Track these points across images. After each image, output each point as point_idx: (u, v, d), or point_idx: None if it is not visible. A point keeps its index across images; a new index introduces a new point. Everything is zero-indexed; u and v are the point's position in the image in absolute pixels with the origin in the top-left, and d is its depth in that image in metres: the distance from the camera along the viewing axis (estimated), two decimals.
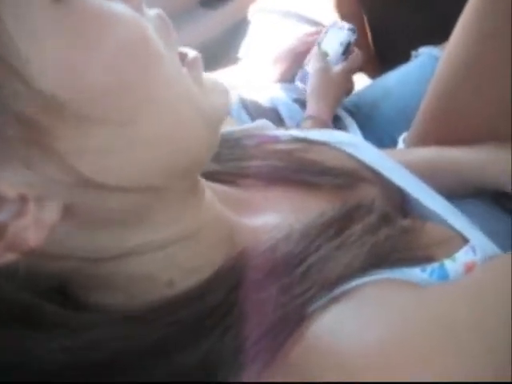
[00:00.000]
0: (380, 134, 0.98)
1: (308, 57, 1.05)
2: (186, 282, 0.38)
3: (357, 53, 1.04)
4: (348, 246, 0.40)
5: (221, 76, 1.11)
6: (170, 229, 0.38)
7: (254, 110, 1.03)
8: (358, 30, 1.11)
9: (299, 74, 1.07)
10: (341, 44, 1.04)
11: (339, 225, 0.43)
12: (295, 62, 1.09)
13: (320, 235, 0.41)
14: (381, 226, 0.44)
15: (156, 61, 0.34)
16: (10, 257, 0.32)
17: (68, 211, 0.33)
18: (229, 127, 0.58)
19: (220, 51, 1.24)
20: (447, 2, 0.84)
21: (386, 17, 1.21)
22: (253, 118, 1.01)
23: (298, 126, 0.98)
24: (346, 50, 1.04)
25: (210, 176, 0.47)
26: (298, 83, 1.06)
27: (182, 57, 0.38)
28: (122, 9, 0.34)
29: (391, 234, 0.43)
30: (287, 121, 1.02)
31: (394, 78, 1.03)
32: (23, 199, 0.31)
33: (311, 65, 1.03)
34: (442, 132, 0.76)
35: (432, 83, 0.76)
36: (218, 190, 0.46)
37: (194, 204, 0.40)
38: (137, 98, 0.33)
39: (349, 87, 1.04)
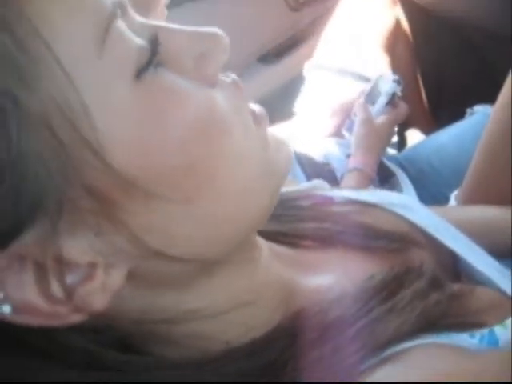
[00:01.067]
0: (432, 189, 0.98)
1: (354, 108, 1.07)
2: (241, 339, 0.40)
3: (402, 105, 1.05)
4: (398, 310, 0.42)
5: (277, 131, 1.14)
6: (227, 294, 0.40)
7: (308, 165, 1.05)
8: (413, 85, 1.13)
9: (346, 124, 1.08)
10: (386, 94, 1.05)
11: (390, 288, 0.44)
12: (349, 117, 1.11)
13: (372, 298, 0.43)
14: (430, 290, 0.44)
15: (223, 137, 0.36)
16: (76, 318, 0.34)
17: (131, 276, 0.36)
18: (285, 186, 0.60)
19: (276, 106, 1.27)
20: (503, 61, 0.85)
21: (441, 74, 1.22)
22: (306, 173, 1.03)
23: (342, 177, 0.99)
24: (391, 101, 1.05)
25: (267, 235, 0.49)
26: (345, 133, 1.07)
27: (251, 114, 0.39)
28: (197, 89, 0.35)
29: (441, 299, 0.44)
30: (339, 176, 1.04)
31: (449, 134, 1.05)
32: (93, 266, 0.34)
33: (356, 113, 1.05)
34: (489, 191, 0.76)
35: (480, 142, 0.77)
36: (274, 249, 0.48)
37: (250, 267, 0.42)
38: (202, 178, 0.35)
39: (391, 138, 1.05)
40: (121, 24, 0.33)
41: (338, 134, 1.15)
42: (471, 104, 1.05)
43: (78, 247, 0.33)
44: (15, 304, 0.32)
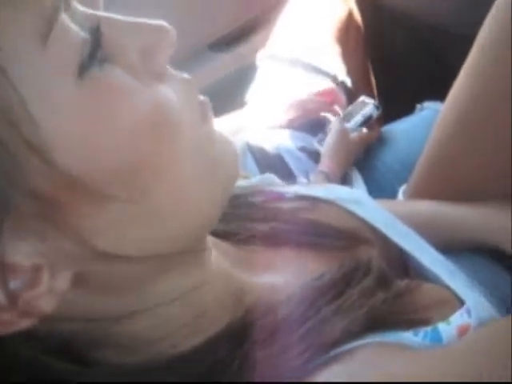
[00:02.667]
0: (383, 184, 1.00)
1: (330, 125, 1.11)
2: (189, 342, 0.39)
3: (376, 129, 1.09)
4: (345, 310, 0.42)
5: (227, 120, 1.14)
6: (173, 292, 0.40)
7: (260, 156, 1.06)
8: (363, 78, 1.15)
9: (319, 137, 1.12)
10: (362, 115, 1.10)
11: (338, 287, 0.44)
12: (304, 114, 1.13)
13: (319, 298, 0.43)
14: (377, 288, 0.45)
15: (171, 134, 0.35)
16: (24, 323, 0.33)
17: (78, 279, 0.35)
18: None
19: (227, 95, 1.26)
20: (453, 56, 0.86)
21: (391, 68, 1.23)
22: (259, 164, 1.03)
23: (307, 175, 1.02)
24: (366, 122, 1.10)
25: (215, 234, 0.49)
26: (317, 145, 1.10)
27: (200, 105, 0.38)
28: (137, 82, 0.34)
29: (387, 297, 0.44)
30: (292, 168, 1.05)
31: (399, 129, 1.06)
32: (37, 269, 0.33)
33: (332, 125, 1.09)
34: (437, 186, 0.78)
35: (429, 137, 0.78)
36: (222, 247, 0.48)
37: (198, 264, 0.42)
38: (150, 176, 0.34)
39: (359, 155, 1.08)
40: (65, 17, 0.32)
41: (290, 127, 1.16)
42: (421, 100, 1.07)
43: (21, 251, 0.32)
44: None
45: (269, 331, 0.40)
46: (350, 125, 1.10)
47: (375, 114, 1.10)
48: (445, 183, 0.76)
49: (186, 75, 0.39)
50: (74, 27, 0.32)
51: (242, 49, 1.38)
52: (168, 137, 0.35)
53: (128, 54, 0.35)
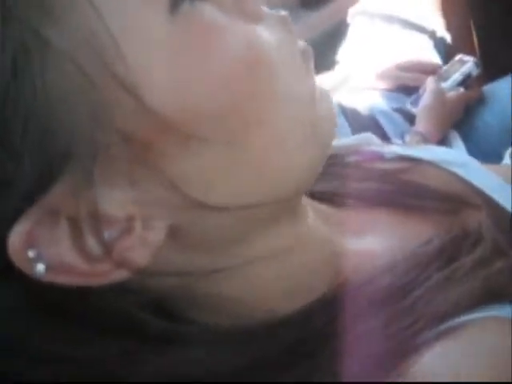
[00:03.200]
0: (484, 146, 0.94)
1: (424, 85, 1.04)
2: (286, 308, 0.37)
3: (476, 88, 1.03)
4: (458, 279, 0.38)
5: (320, 80, 1.10)
6: (271, 251, 0.37)
7: (352, 118, 1.02)
8: (464, 36, 1.08)
9: (412, 98, 1.06)
10: (461, 73, 1.03)
11: (448, 254, 0.41)
12: (399, 82, 1.07)
13: (428, 265, 0.39)
14: (493, 257, 0.41)
15: (268, 76, 0.33)
16: (117, 275, 0.32)
17: (173, 231, 0.33)
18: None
19: (319, 53, 1.22)
20: None
21: (495, 23, 1.16)
22: (351, 126, 0.99)
23: (402, 137, 0.97)
24: (465, 81, 1.03)
25: (311, 195, 0.46)
26: (409, 106, 1.04)
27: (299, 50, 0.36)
28: (239, 25, 0.33)
29: (504, 267, 0.40)
30: (387, 130, 1.00)
31: (502, 88, 0.99)
32: (130, 219, 0.31)
33: (426, 85, 1.02)
34: None
35: None
36: (320, 209, 0.45)
37: (295, 225, 0.39)
38: (246, 119, 0.32)
39: (458, 117, 1.02)
40: None
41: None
42: None
43: (113, 199, 0.30)
44: (50, 263, 0.30)
45: (371, 301, 0.37)
46: (446, 84, 1.03)
47: (475, 72, 1.03)
48: None
49: (284, 13, 0.36)
50: None
51: (334, 5, 1.33)
52: (264, 79, 0.33)
53: None
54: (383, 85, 1.08)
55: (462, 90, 1.03)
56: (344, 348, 0.35)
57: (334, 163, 0.52)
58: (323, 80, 1.11)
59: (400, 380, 0.33)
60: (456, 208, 0.50)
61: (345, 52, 1.19)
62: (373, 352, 0.35)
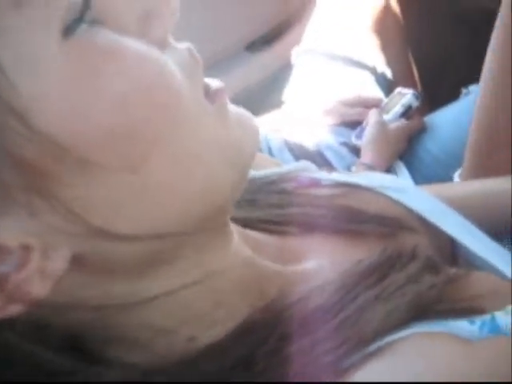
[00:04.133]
0: (429, 174, 0.95)
1: (367, 119, 1.06)
2: (208, 335, 0.36)
3: (417, 119, 1.05)
4: (387, 296, 0.37)
5: (265, 120, 1.11)
6: (188, 276, 0.36)
7: (299, 154, 1.02)
8: (404, 70, 1.10)
9: (356, 131, 1.07)
10: (402, 105, 1.06)
11: (379, 274, 0.40)
12: (343, 117, 1.09)
13: (357, 284, 0.39)
14: (424, 274, 0.40)
15: (172, 100, 0.32)
16: (12, 309, 0.30)
17: (77, 261, 0.32)
18: (268, 169, 0.56)
19: (264, 95, 1.24)
20: None
21: (434, 55, 1.19)
22: (297, 161, 1.00)
23: (349, 170, 0.98)
24: (406, 113, 1.06)
25: (244, 222, 0.45)
26: (355, 140, 1.06)
27: (206, 88, 0.36)
28: (138, 45, 0.32)
29: (435, 282, 0.39)
30: (334, 164, 1.01)
31: (443, 116, 1.01)
32: (26, 249, 0.30)
33: (369, 118, 1.04)
34: (488, 165, 0.73)
35: (473, 118, 0.75)
36: (252, 236, 0.44)
37: (216, 249, 0.38)
38: (145, 143, 0.31)
39: (402, 147, 1.03)
40: None
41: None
42: (465, 84, 1.02)
43: (7, 230, 0.29)
44: None
45: (298, 323, 0.36)
46: (388, 116, 1.05)
47: (415, 103, 1.06)
48: (493, 160, 0.72)
49: (190, 46, 0.35)
50: None
51: (278, 47, 1.35)
52: (165, 100, 0.32)
53: (124, 19, 0.32)
54: (328, 120, 1.10)
55: (403, 120, 1.04)
56: (273, 371, 0.34)
57: (268, 190, 0.51)
58: (269, 120, 1.12)
59: None
60: (393, 231, 0.49)
61: (290, 91, 1.21)
62: (302, 375, 0.33)
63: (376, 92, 1.14)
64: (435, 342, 0.35)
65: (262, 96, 1.23)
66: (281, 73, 1.26)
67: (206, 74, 0.36)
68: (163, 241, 0.34)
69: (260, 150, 1.00)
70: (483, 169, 0.74)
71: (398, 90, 1.09)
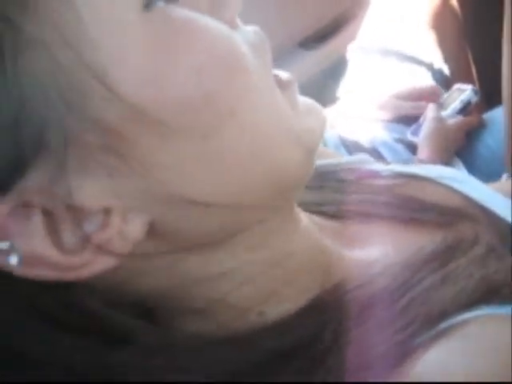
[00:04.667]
0: (487, 170, 0.94)
1: (424, 115, 1.05)
2: (276, 310, 0.37)
3: (476, 115, 1.03)
4: (454, 279, 0.38)
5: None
6: (259, 254, 0.37)
7: (354, 150, 1.02)
8: (462, 66, 1.09)
9: (413, 127, 1.06)
10: (460, 101, 1.04)
11: (443, 258, 0.40)
12: (399, 112, 1.08)
13: (422, 268, 0.39)
14: (489, 258, 0.41)
15: (245, 75, 0.33)
16: (94, 268, 0.31)
17: (153, 229, 0.33)
18: (328, 159, 0.57)
19: (319, 91, 1.24)
20: None
21: (492, 51, 1.16)
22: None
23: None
24: (465, 109, 1.04)
25: (309, 207, 0.46)
26: (410, 136, 1.05)
27: (276, 79, 0.37)
28: (212, 22, 0.33)
29: (500, 267, 0.40)
30: (390, 161, 1.00)
31: (499, 113, 0.99)
32: (107, 211, 0.31)
33: (426, 114, 1.03)
34: None
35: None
36: (315, 220, 0.45)
37: (286, 230, 0.39)
38: (220, 112, 0.32)
39: (460, 144, 1.02)
40: None
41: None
42: None
43: (89, 190, 0.30)
44: (23, 255, 0.29)
45: (364, 305, 0.36)
46: (446, 113, 1.04)
47: (474, 99, 1.04)
48: None
49: (257, 29, 0.36)
50: None
51: (332, 44, 1.35)
52: (239, 79, 0.33)
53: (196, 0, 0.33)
54: (384, 116, 1.09)
55: (461, 117, 1.03)
56: (340, 351, 0.34)
57: (328, 179, 0.52)
58: (327, 113, 1.12)
59: (401, 381, 0.32)
60: (453, 220, 0.49)
61: (345, 88, 1.20)
62: (371, 354, 0.34)
63: (431, 83, 1.12)
64: (502, 324, 0.35)
65: (317, 92, 1.23)
66: (336, 69, 1.25)
67: None
68: (234, 212, 0.34)
69: None
70: None
71: (457, 86, 1.07)
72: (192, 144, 0.32)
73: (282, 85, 0.36)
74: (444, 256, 0.40)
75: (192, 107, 0.31)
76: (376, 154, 1.03)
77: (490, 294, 0.37)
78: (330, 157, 0.60)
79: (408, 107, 1.08)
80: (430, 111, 1.02)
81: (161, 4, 0.31)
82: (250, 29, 0.36)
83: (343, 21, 1.36)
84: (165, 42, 0.31)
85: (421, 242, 0.44)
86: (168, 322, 0.37)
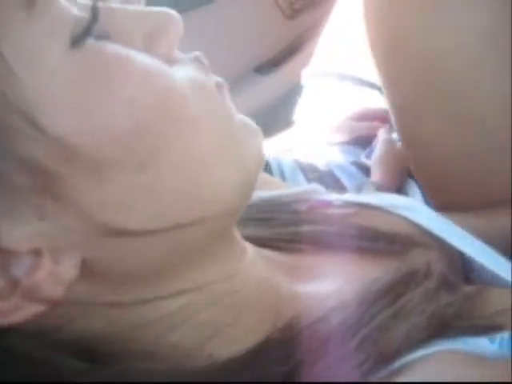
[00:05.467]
0: None
1: (376, 139, 1.05)
2: (225, 352, 0.36)
3: None
4: (405, 315, 0.37)
5: (276, 140, 1.11)
6: (199, 293, 0.36)
7: (310, 173, 1.02)
8: None
9: (367, 151, 1.06)
10: None
11: (395, 292, 0.40)
12: (353, 133, 1.09)
13: (375, 303, 0.39)
14: (441, 291, 0.40)
15: (179, 107, 0.33)
16: (25, 312, 0.30)
17: (88, 266, 0.32)
18: (277, 190, 0.57)
19: (275, 116, 1.24)
20: None
21: None
22: (309, 181, 1.00)
23: (359, 189, 0.97)
24: None
25: (258, 241, 0.45)
26: (365, 160, 1.05)
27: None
28: (145, 57, 0.33)
29: (453, 300, 0.40)
30: (345, 184, 1.01)
31: None
32: (36, 253, 0.30)
33: (378, 137, 1.03)
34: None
35: None
36: (266, 255, 0.44)
37: (228, 265, 0.38)
38: (153, 142, 0.32)
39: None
40: None
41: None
42: None
43: (18, 233, 0.29)
44: None
45: (318, 343, 0.36)
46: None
47: None
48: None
49: (197, 54, 0.37)
50: (64, 2, 0.31)
51: (287, 69, 1.36)
52: (173, 101, 0.33)
53: (130, 34, 0.33)
54: (339, 138, 1.09)
55: None
56: None
57: (280, 210, 0.51)
58: (280, 140, 1.12)
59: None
60: (405, 249, 0.49)
61: (300, 112, 1.21)
62: None
63: (384, 106, 1.13)
64: (456, 359, 0.35)
65: (272, 117, 1.24)
66: (290, 94, 1.26)
67: None
68: (173, 240, 0.34)
69: (272, 172, 0.99)
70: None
71: None
72: (126, 177, 0.31)
73: (218, 87, 0.37)
74: (396, 289, 0.40)
75: (124, 140, 0.31)
76: (332, 177, 1.03)
77: (442, 328, 0.37)
78: (277, 186, 0.60)
79: (362, 128, 1.09)
80: (381, 133, 1.03)
81: (90, 41, 0.31)
82: (190, 56, 0.36)
83: (298, 46, 1.37)
84: (94, 75, 0.30)
85: (374, 272, 0.44)
86: (113, 364, 0.35)
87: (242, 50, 1.32)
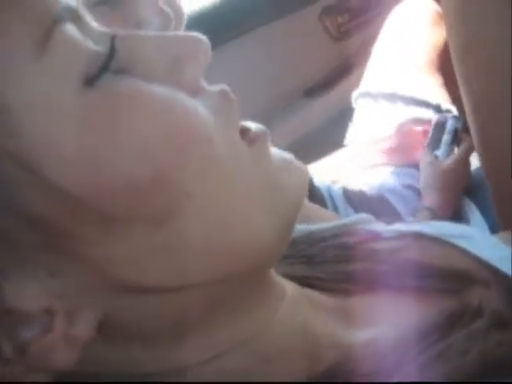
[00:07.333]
0: None
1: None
2: None
3: (467, 139, 0.99)
4: (448, 356, 0.35)
5: (326, 167, 1.09)
6: (223, 345, 0.34)
7: (358, 202, 0.99)
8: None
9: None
10: (448, 133, 1.01)
11: (439, 332, 0.37)
12: (406, 158, 1.05)
13: (417, 344, 0.36)
14: (491, 330, 0.37)
15: (200, 147, 0.30)
16: (34, 378, 0.28)
17: (103, 327, 0.30)
18: (324, 222, 0.54)
19: (325, 140, 1.22)
20: None
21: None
22: (357, 210, 0.96)
23: (412, 214, 0.93)
24: (455, 138, 1.01)
25: (300, 280, 0.43)
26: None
27: (245, 132, 0.33)
28: (165, 91, 0.30)
29: (504, 339, 0.36)
30: (398, 208, 0.97)
31: None
32: (49, 313, 0.28)
33: (420, 160, 1.00)
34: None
35: None
36: (308, 296, 0.42)
37: (263, 314, 0.35)
38: (174, 195, 0.29)
39: (463, 179, 0.98)
40: (70, 28, 0.28)
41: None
42: None
43: (27, 292, 0.27)
44: None
45: None
46: (441, 151, 1.00)
47: (458, 125, 1.01)
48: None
49: (224, 87, 0.33)
50: (80, 37, 0.29)
51: (336, 92, 1.34)
52: (194, 147, 0.29)
53: (152, 65, 0.31)
54: (391, 160, 1.06)
55: (455, 151, 0.99)
56: None
57: (326, 246, 0.49)
58: (330, 167, 1.10)
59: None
60: (460, 285, 0.46)
61: (351, 135, 1.19)
62: None
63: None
64: None
65: (323, 141, 1.21)
66: (341, 117, 1.24)
67: (266, 120, 0.34)
68: (192, 296, 0.31)
69: (323, 201, 0.97)
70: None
71: (435, 118, 1.04)
72: (143, 233, 0.29)
73: (250, 138, 0.33)
74: (440, 331, 0.37)
75: (140, 193, 0.28)
76: (384, 202, 1.00)
77: (492, 368, 0.34)
78: (327, 217, 0.57)
79: (411, 148, 1.05)
80: (422, 158, 0.99)
81: (108, 76, 0.28)
82: (216, 88, 0.33)
83: (347, 68, 1.35)
84: (107, 119, 0.28)
85: (424, 311, 0.41)
86: None
87: (292, 75, 1.31)
